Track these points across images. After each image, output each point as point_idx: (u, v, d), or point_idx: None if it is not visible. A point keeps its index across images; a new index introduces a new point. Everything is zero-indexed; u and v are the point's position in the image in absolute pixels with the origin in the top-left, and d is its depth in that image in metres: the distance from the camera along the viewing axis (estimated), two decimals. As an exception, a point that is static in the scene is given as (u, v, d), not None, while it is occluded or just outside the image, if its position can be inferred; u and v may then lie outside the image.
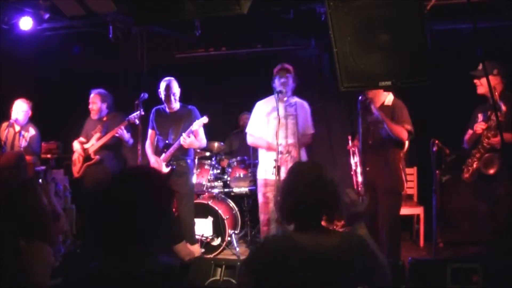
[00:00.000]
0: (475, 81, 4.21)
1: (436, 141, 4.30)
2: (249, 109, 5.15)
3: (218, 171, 5.88)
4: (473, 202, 4.42)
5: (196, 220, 5.23)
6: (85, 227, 5.24)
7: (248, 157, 5.77)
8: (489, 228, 4.19)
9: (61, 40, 6.45)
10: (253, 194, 5.55)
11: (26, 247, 2.63)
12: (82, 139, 5.49)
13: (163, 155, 5.00)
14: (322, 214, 2.08)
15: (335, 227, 2.47)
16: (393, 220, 4.34)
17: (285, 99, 4.58)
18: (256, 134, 4.86)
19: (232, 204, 5.73)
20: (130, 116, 5.09)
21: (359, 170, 4.42)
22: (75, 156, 5.48)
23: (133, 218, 1.48)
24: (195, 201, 5.34)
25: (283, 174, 4.28)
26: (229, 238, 5.38)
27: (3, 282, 2.51)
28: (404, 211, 5.10)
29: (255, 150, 5.24)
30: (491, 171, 4.06)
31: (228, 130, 6.74)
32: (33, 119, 5.75)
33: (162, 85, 4.99)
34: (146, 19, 3.92)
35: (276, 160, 4.41)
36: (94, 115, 5.46)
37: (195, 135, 4.97)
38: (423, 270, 3.35)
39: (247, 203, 5.74)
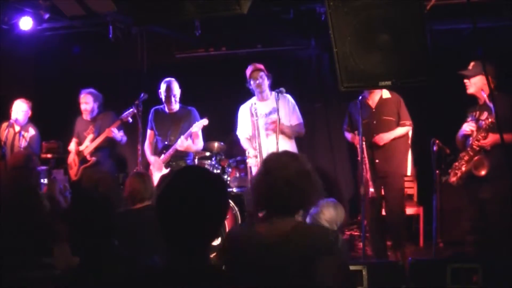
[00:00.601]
0: (465, 81, 4.17)
1: (437, 141, 4.29)
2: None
3: (218, 171, 5.88)
4: (465, 204, 4.39)
5: (196, 220, 5.21)
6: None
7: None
8: (478, 229, 4.17)
9: (61, 40, 6.45)
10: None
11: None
12: (75, 140, 5.48)
13: (163, 156, 5.00)
14: (286, 202, 2.01)
15: None
16: (400, 201, 4.69)
17: (265, 96, 4.82)
18: (242, 138, 5.05)
19: (232, 204, 5.72)
20: (122, 115, 5.07)
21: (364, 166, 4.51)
22: (70, 159, 5.47)
23: (201, 216, 1.55)
24: (195, 201, 5.33)
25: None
26: (229, 238, 5.37)
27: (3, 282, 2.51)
28: (404, 211, 5.11)
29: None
30: (482, 173, 4.00)
31: (228, 130, 6.73)
32: (33, 119, 5.74)
33: (163, 86, 4.98)
34: (146, 19, 3.91)
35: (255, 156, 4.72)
36: (86, 116, 5.42)
37: (194, 137, 4.96)
38: (423, 270, 3.35)
39: (247, 203, 5.73)
